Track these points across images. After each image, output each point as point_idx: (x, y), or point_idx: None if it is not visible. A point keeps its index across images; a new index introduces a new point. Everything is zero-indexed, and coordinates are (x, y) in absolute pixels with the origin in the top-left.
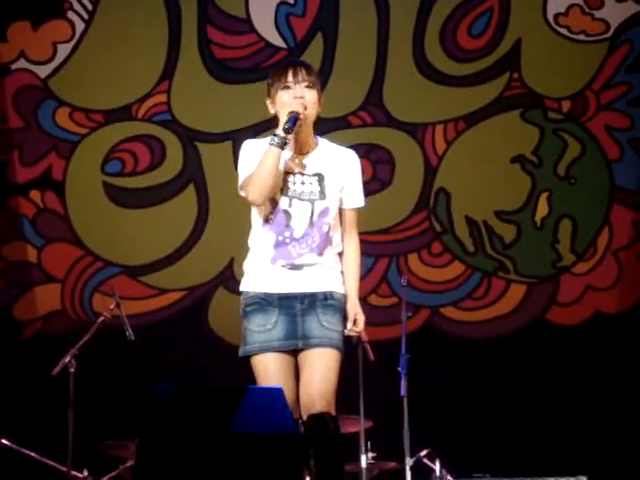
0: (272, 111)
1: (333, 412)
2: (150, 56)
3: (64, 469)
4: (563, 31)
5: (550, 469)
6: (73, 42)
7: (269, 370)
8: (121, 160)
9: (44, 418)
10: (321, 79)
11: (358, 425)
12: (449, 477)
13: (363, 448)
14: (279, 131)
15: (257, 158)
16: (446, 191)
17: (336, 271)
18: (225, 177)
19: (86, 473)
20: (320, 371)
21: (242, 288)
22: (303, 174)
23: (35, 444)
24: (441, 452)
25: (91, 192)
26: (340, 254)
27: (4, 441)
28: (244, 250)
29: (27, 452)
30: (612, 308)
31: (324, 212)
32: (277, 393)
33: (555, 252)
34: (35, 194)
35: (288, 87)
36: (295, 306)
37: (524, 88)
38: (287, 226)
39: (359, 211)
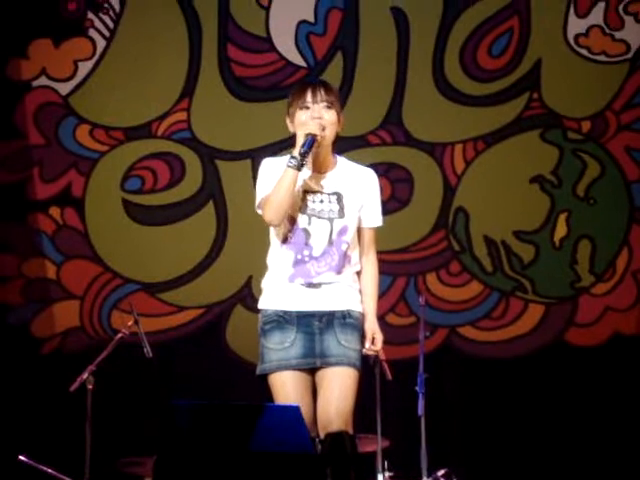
0: (291, 130)
1: (350, 431)
2: (170, 74)
3: None
4: (583, 52)
5: None
6: (94, 60)
7: (286, 388)
8: (141, 177)
9: (62, 434)
10: (341, 98)
11: (375, 444)
12: None
13: (380, 467)
14: (296, 153)
15: (275, 177)
16: (465, 210)
17: (354, 290)
18: (244, 195)
19: None
20: (338, 390)
21: (260, 306)
22: (322, 193)
23: (53, 460)
24: (458, 472)
25: (110, 209)
26: (358, 273)
27: (22, 457)
28: (262, 268)
29: (45, 468)
30: (631, 329)
31: (343, 230)
32: (294, 411)
33: (574, 273)
34: (55, 211)
35: (307, 107)
36: (313, 324)
37: (544, 108)
38: (306, 244)
39: (377, 230)
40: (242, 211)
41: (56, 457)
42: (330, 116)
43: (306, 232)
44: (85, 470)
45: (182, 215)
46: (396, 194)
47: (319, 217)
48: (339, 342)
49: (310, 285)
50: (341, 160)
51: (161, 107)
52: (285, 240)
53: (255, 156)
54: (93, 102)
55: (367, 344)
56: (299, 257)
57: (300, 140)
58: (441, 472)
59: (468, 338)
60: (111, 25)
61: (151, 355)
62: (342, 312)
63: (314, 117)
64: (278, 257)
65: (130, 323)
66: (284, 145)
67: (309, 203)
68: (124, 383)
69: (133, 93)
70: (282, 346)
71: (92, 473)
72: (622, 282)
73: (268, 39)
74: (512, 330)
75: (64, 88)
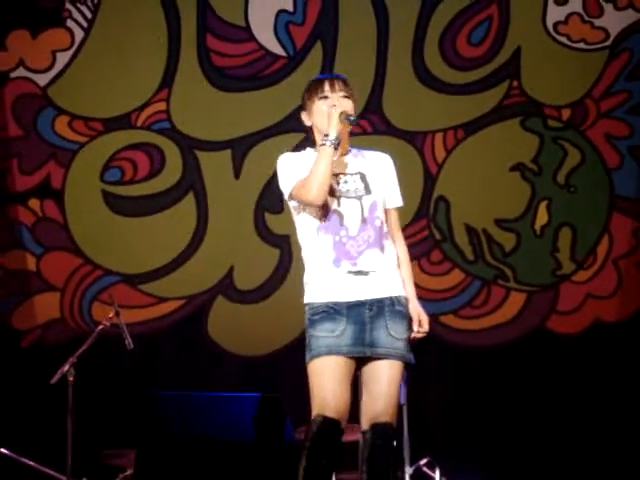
0: (307, 123)
1: (395, 425)
2: (149, 64)
3: (63, 478)
4: (562, 39)
5: (550, 477)
6: (72, 50)
7: (334, 372)
8: (120, 168)
9: (43, 427)
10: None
11: (359, 433)
12: None
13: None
14: (331, 131)
15: (300, 167)
16: (446, 199)
17: (398, 274)
18: (224, 185)
19: None
20: (386, 386)
21: (308, 300)
22: (345, 174)
23: (34, 453)
24: (441, 460)
25: (90, 200)
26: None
27: (3, 450)
28: (243, 259)
29: (26, 461)
30: (612, 316)
31: (373, 207)
32: (275, 401)
33: (555, 260)
34: (34, 203)
35: (326, 97)
36: (364, 313)
37: (524, 96)
38: (341, 225)
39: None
40: (222, 201)
41: (37, 450)
42: (347, 104)
43: (338, 214)
44: (67, 462)
45: (162, 206)
46: None
47: (347, 197)
48: (388, 332)
49: (358, 273)
50: (354, 147)
51: (140, 98)
52: (320, 226)
53: (235, 146)
54: (72, 93)
55: (415, 327)
56: (337, 239)
57: (334, 120)
58: (423, 461)
59: (450, 326)
60: (89, 15)
61: (132, 347)
62: (391, 299)
63: (334, 105)
64: (316, 245)
65: (111, 315)
66: (265, 135)
67: (334, 185)
68: (105, 375)
69: (112, 84)
70: (332, 334)
71: (74, 465)
72: (603, 270)
73: (247, 29)
74: (494, 318)
75: (42, 79)
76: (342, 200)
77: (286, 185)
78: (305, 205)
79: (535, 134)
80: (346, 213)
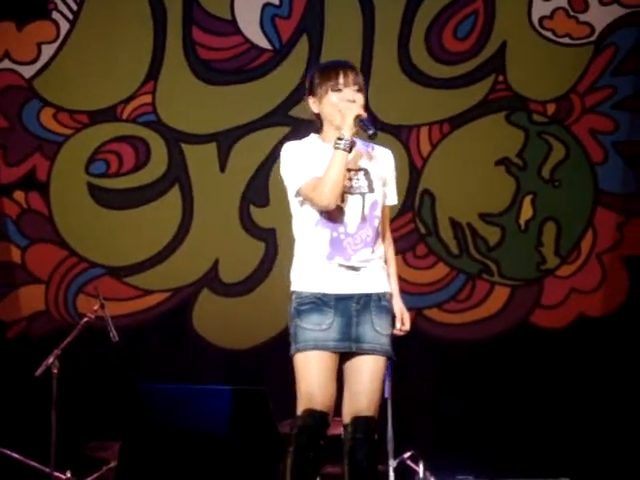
0: (315, 110)
1: (376, 419)
2: (135, 57)
3: (47, 470)
4: (548, 34)
5: (533, 471)
6: (58, 43)
7: (321, 367)
8: (106, 161)
9: (27, 419)
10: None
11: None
12: (432, 479)
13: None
14: (345, 133)
15: (305, 158)
16: (431, 193)
17: (385, 271)
18: (210, 178)
19: (69, 474)
20: (368, 381)
21: (296, 288)
22: (350, 170)
23: (18, 445)
24: (425, 454)
25: (75, 193)
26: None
27: None
28: (229, 252)
29: (10, 453)
30: (596, 311)
31: (374, 205)
32: (259, 395)
33: (539, 255)
34: (19, 195)
35: (339, 89)
36: (351, 306)
37: (509, 91)
38: (341, 222)
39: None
40: (208, 194)
41: (22, 442)
42: (360, 99)
43: (340, 210)
44: (51, 455)
45: (148, 199)
46: None
47: (351, 193)
48: (374, 328)
49: (349, 267)
50: (358, 140)
51: (126, 90)
52: (319, 220)
53: (221, 139)
54: (57, 85)
55: (397, 324)
56: (335, 235)
57: (350, 122)
58: (407, 454)
59: (434, 320)
60: (75, 7)
61: (117, 339)
62: (378, 294)
63: (349, 100)
64: (312, 238)
65: (96, 307)
66: (250, 128)
67: None
68: (90, 367)
69: (98, 76)
70: (319, 327)
71: (58, 458)
72: (587, 264)
73: (233, 22)
74: (478, 312)
75: (28, 71)
76: (345, 196)
77: (292, 180)
78: (315, 208)
79: (520, 129)
80: (348, 210)
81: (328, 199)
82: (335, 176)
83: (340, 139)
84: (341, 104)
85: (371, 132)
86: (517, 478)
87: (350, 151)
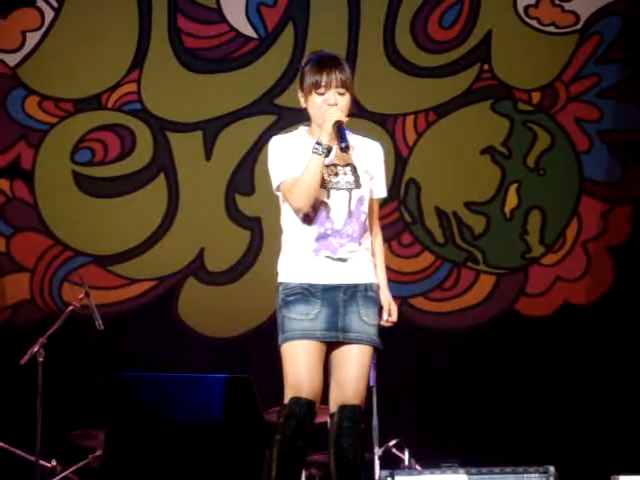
0: (303, 104)
1: (362, 407)
2: (120, 45)
3: (32, 459)
4: (533, 23)
5: (518, 459)
6: (42, 30)
7: (308, 356)
8: (91, 149)
9: (12, 407)
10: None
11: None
12: (417, 467)
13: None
14: (323, 138)
15: (291, 153)
16: (416, 182)
17: (372, 262)
18: (195, 167)
19: (54, 463)
20: (355, 370)
21: (283, 279)
22: (336, 165)
23: (3, 434)
24: (410, 442)
25: (60, 181)
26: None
27: None
28: (214, 240)
29: None
30: (581, 299)
31: (360, 201)
32: (245, 382)
33: (524, 243)
34: (4, 183)
35: (322, 93)
36: (338, 297)
37: (494, 80)
38: (327, 218)
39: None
40: (193, 183)
41: (7, 430)
42: (343, 101)
43: (326, 206)
44: (36, 443)
45: (133, 187)
46: None
47: (337, 189)
48: (361, 318)
49: (336, 259)
50: (348, 132)
51: (111, 78)
52: (307, 216)
53: (206, 127)
54: (42, 73)
55: (385, 315)
56: (322, 231)
57: (328, 128)
58: (392, 442)
59: (420, 309)
60: None
61: (102, 328)
62: (365, 285)
63: (330, 104)
64: (299, 233)
65: (81, 296)
66: (236, 116)
67: (326, 177)
68: (75, 356)
69: (82, 64)
70: (307, 317)
71: (43, 446)
72: (572, 252)
73: (218, 10)
74: (463, 301)
75: (12, 59)
76: (332, 192)
77: (276, 175)
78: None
79: (505, 117)
80: (334, 206)
81: (301, 202)
82: (308, 181)
83: (319, 144)
84: (323, 107)
85: (343, 145)
86: (502, 465)
87: (328, 156)
